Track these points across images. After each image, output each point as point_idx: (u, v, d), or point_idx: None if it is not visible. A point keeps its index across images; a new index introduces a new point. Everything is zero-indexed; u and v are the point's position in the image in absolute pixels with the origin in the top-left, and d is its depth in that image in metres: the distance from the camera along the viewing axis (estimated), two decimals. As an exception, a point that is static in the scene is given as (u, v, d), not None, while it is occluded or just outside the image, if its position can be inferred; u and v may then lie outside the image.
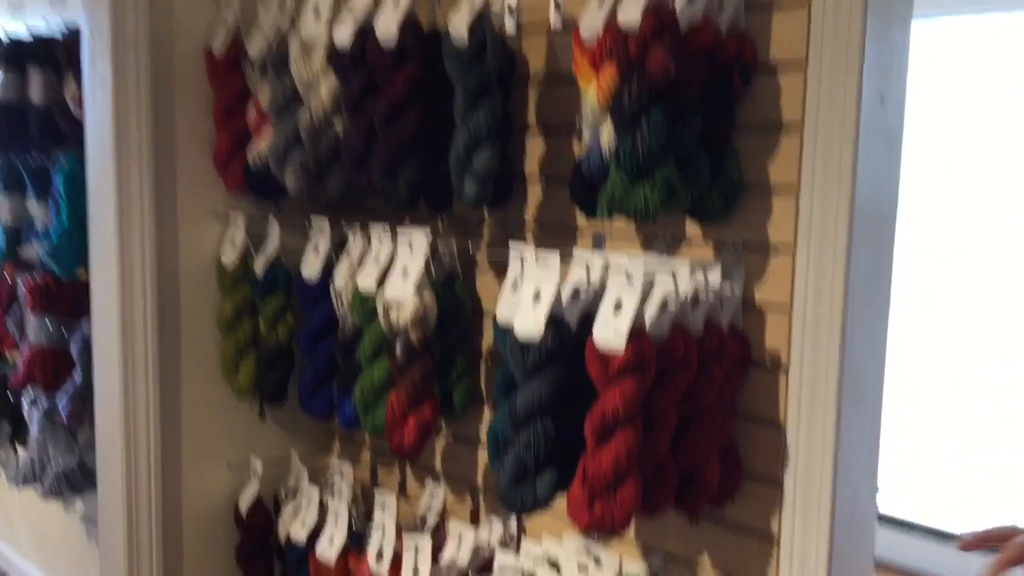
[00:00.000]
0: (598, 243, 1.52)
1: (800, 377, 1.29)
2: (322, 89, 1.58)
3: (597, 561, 1.53)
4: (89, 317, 2.33)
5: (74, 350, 2.23)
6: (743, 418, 1.35)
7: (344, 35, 1.52)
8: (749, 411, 1.35)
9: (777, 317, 1.32)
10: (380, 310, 1.54)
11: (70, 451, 2.42)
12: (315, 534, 1.78)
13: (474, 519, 1.76)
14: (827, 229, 1.25)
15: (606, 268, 1.30)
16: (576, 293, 1.31)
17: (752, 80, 1.30)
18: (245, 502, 1.92)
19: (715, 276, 1.30)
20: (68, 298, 2.24)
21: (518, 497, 1.29)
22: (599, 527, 1.17)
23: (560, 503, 1.31)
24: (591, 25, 1.28)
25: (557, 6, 1.51)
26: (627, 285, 1.20)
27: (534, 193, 1.60)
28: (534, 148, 1.59)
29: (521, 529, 1.67)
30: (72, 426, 2.28)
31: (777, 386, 1.32)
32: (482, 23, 1.43)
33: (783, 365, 1.32)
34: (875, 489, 1.41)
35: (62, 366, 2.25)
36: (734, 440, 1.35)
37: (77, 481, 2.48)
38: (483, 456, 1.74)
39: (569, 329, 1.28)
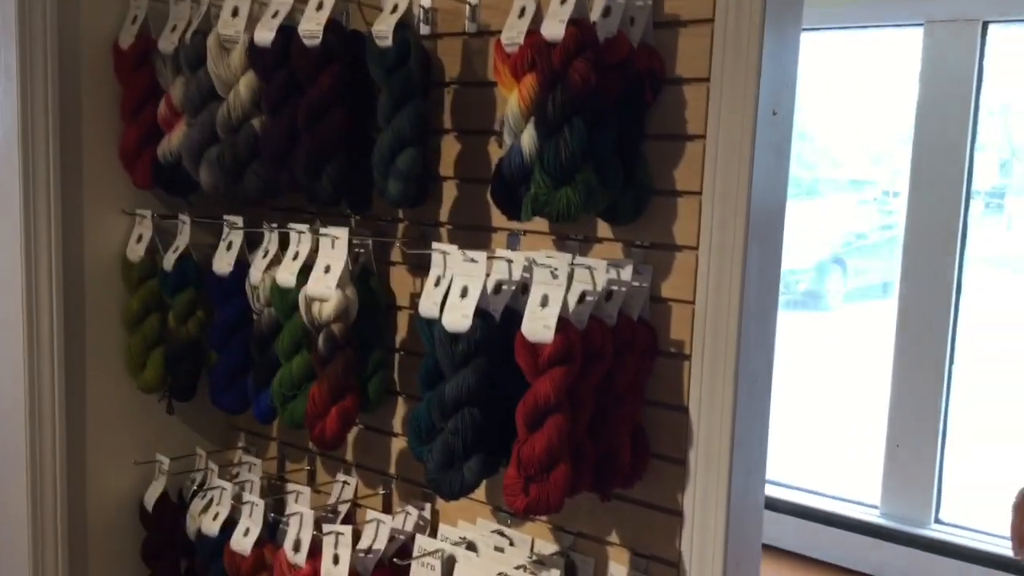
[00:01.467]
0: (513, 243, 1.60)
1: (702, 364, 1.41)
2: (241, 86, 1.60)
3: (511, 543, 1.62)
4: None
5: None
6: (651, 403, 1.46)
7: (266, 34, 1.54)
8: (656, 397, 1.46)
9: (681, 310, 1.44)
10: (302, 304, 1.57)
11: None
12: (227, 527, 1.79)
13: (387, 508, 1.82)
14: (726, 230, 1.38)
15: (527, 265, 1.39)
16: (499, 287, 1.40)
17: (661, 92, 1.41)
18: (151, 499, 1.91)
19: (627, 272, 1.41)
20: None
21: (447, 482, 1.36)
22: (535, 509, 1.26)
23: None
24: (512, 35, 1.36)
25: (472, 12, 1.59)
26: (552, 280, 1.29)
27: (449, 194, 1.67)
28: (449, 150, 1.66)
29: (435, 514, 1.74)
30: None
31: (681, 373, 1.44)
32: (405, 27, 1.49)
33: (686, 354, 1.44)
34: (764, 470, 1.55)
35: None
36: (643, 424, 1.46)
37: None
38: (396, 446, 1.80)
39: (494, 321, 1.37)
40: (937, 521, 3.78)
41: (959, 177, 3.67)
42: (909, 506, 3.80)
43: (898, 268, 3.85)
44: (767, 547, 3.93)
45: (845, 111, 5.76)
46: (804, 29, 1.51)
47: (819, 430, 5.71)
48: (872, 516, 3.87)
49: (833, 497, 4.06)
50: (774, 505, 3.96)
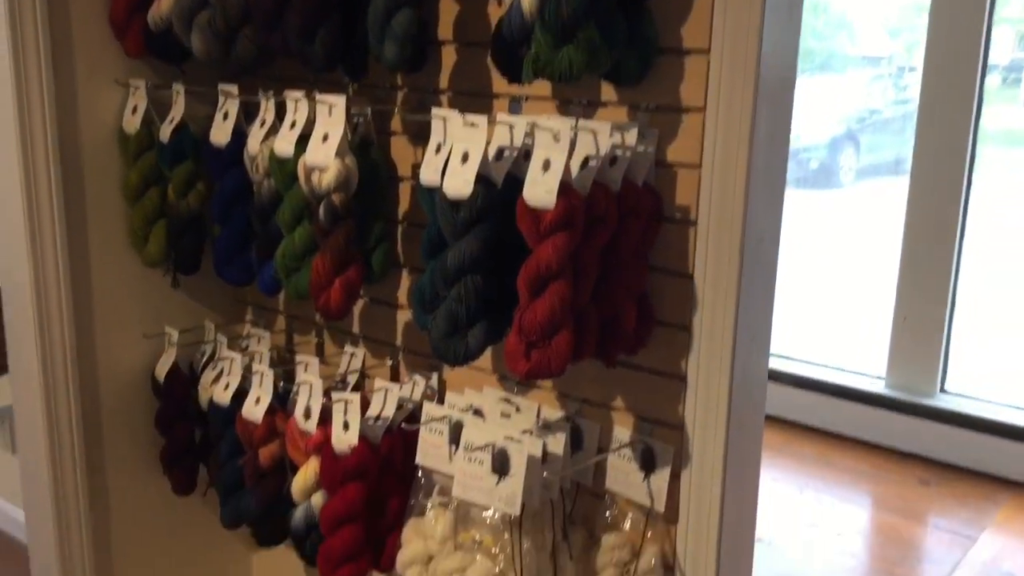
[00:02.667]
0: (514, 108, 1.56)
1: (707, 229, 1.39)
2: (230, -54, 1.53)
3: (518, 409, 1.64)
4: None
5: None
6: (655, 269, 1.45)
7: None
8: (661, 263, 1.45)
9: (687, 174, 1.41)
10: (301, 174, 1.55)
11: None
12: (238, 397, 1.82)
13: (394, 378, 1.84)
14: (735, 90, 1.33)
15: (528, 130, 1.35)
16: (501, 153, 1.37)
17: (667, -57, 1.35)
18: (162, 370, 1.94)
19: (631, 136, 1.37)
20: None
21: (451, 349, 1.37)
22: (537, 374, 1.26)
23: (480, 358, 1.40)
24: None
25: None
26: (554, 144, 1.26)
27: (448, 58, 1.62)
28: (447, 11, 1.60)
29: (442, 384, 1.76)
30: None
31: (686, 239, 1.42)
32: None
33: (692, 219, 1.41)
34: (768, 337, 1.55)
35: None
36: (647, 291, 1.45)
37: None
38: (402, 317, 1.81)
39: (495, 188, 1.34)
40: (943, 391, 3.83)
41: (975, 51, 3.56)
42: (915, 377, 3.84)
43: (911, 144, 3.78)
44: (773, 418, 4.00)
45: (862, -21, 5.56)
46: None
47: (828, 306, 5.73)
48: (878, 387, 3.92)
49: (839, 369, 4.11)
50: (780, 377, 4.01)
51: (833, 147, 7.22)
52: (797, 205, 6.49)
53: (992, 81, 3.82)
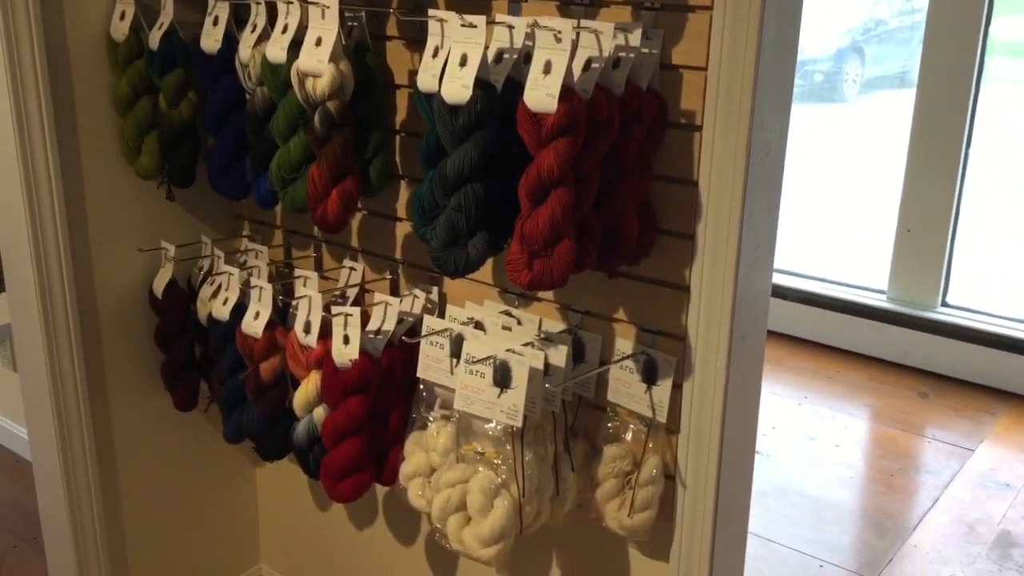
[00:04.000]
0: (514, 9, 1.50)
1: (713, 135, 1.35)
2: None
3: (519, 322, 1.62)
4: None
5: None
6: (659, 177, 1.42)
7: None
8: (664, 171, 1.41)
9: (693, 77, 1.36)
10: (295, 81, 1.50)
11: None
12: (237, 312, 1.80)
13: (394, 292, 1.82)
14: (743, -11, 1.28)
15: (529, 31, 1.30)
16: (500, 56, 1.32)
17: None
18: (160, 286, 1.92)
19: (635, 37, 1.32)
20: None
21: (451, 259, 1.34)
22: (539, 284, 1.24)
23: (481, 271, 1.38)
24: None
25: None
26: (555, 45, 1.22)
27: (446, -42, 1.56)
28: (444, -92, 1.53)
29: (443, 297, 1.74)
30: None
31: (691, 145, 1.38)
32: None
33: (697, 124, 1.37)
34: (773, 245, 1.52)
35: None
36: (650, 199, 1.42)
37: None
38: (401, 230, 1.78)
39: (495, 92, 1.30)
40: (944, 304, 3.82)
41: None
42: (916, 290, 3.83)
43: (918, 56, 3.70)
44: (776, 334, 4.01)
45: None
46: None
47: (832, 221, 5.70)
48: (879, 301, 3.92)
49: (841, 284, 4.10)
50: (783, 294, 4.00)
51: (838, 59, 7.08)
52: (800, 119, 6.40)
53: (1003, -11, 3.72)
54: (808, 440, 3.33)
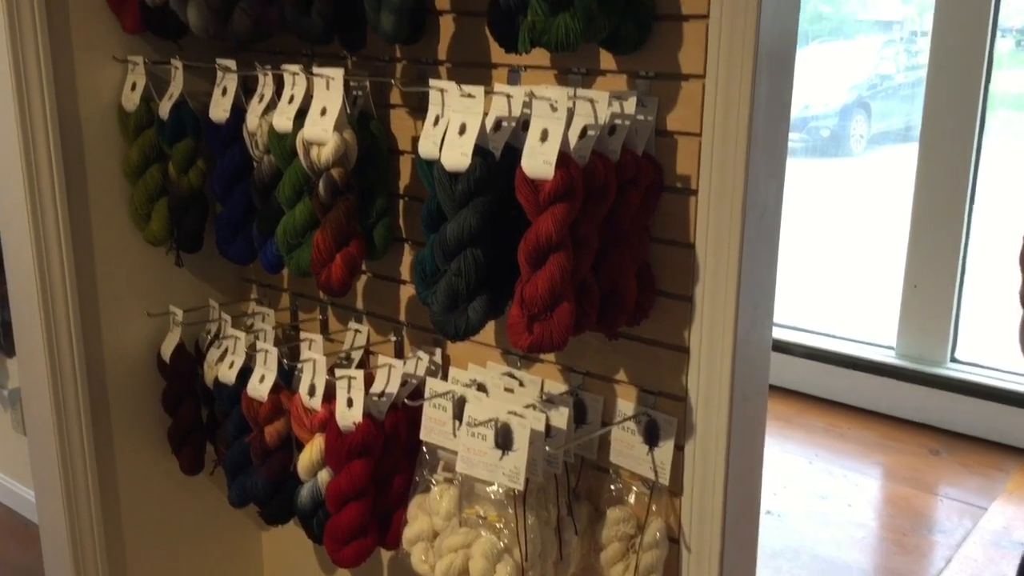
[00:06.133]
0: (513, 78, 1.54)
1: (708, 198, 1.38)
2: (223, -80, 1.52)
3: (521, 384, 1.63)
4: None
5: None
6: (656, 240, 1.44)
7: None
8: (662, 233, 1.43)
9: (688, 143, 1.39)
10: (300, 149, 1.54)
11: (-32, 313, 2.36)
12: (243, 375, 1.82)
13: (398, 354, 1.83)
14: (734, 57, 1.31)
15: (526, 100, 1.34)
16: (499, 124, 1.35)
17: (665, -92, 1.32)
18: (167, 350, 1.94)
19: (630, 105, 1.36)
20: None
21: (452, 323, 1.36)
22: (539, 347, 1.26)
23: (483, 332, 1.39)
24: None
25: None
26: (552, 114, 1.25)
27: (447, 29, 1.60)
28: (445, -18, 1.58)
29: (446, 359, 1.75)
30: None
31: (688, 208, 1.41)
32: None
33: (693, 188, 1.40)
34: (772, 305, 1.53)
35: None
36: (648, 261, 1.44)
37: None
38: (405, 292, 1.80)
39: (494, 159, 1.33)
40: (953, 360, 3.80)
41: (984, 14, 3.50)
42: (925, 346, 3.82)
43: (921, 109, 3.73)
44: (782, 389, 3.99)
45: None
46: None
47: (839, 275, 5.70)
48: (888, 357, 3.90)
49: (849, 339, 4.08)
50: (789, 349, 3.99)
51: (844, 115, 7.14)
52: (808, 174, 6.44)
53: (1005, 45, 3.77)
54: (820, 499, 3.29)
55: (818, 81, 6.11)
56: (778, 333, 3.58)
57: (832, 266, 5.81)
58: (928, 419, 3.75)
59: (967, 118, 3.59)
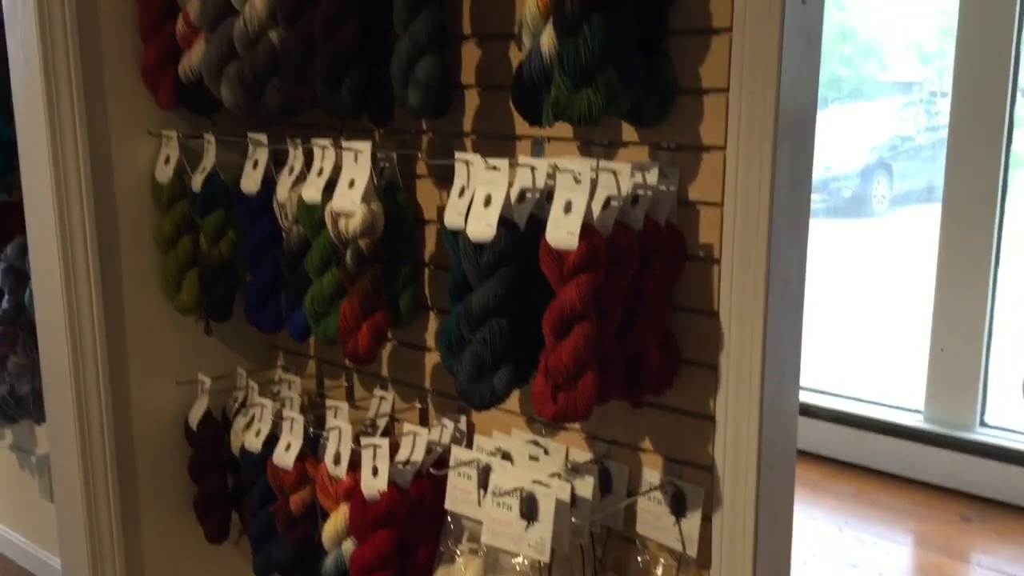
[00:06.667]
0: (537, 150, 1.57)
1: (731, 267, 1.39)
2: None
3: (546, 452, 1.63)
4: (11, 242, 2.29)
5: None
6: (680, 308, 1.45)
7: (278, -55, 1.51)
8: (686, 302, 1.44)
9: (710, 212, 1.41)
10: (328, 220, 1.57)
11: (-1, 380, 2.40)
12: (269, 443, 1.83)
13: (423, 421, 1.84)
14: (755, 128, 1.33)
15: (550, 172, 1.36)
16: (523, 195, 1.38)
17: (684, -15, 1.36)
18: (195, 417, 1.95)
19: (652, 176, 1.38)
20: (-11, 224, 2.20)
21: (477, 393, 1.37)
22: (564, 417, 1.26)
23: (508, 399, 1.40)
24: (528, -68, 1.31)
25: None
26: (575, 185, 1.27)
27: (472, 102, 1.64)
28: (470, 56, 1.62)
29: (471, 426, 1.75)
30: (3, 350, 2.26)
31: (711, 277, 1.42)
32: (418, -70, 1.44)
33: (715, 257, 1.41)
34: (798, 373, 1.53)
35: (-14, 293, 2.22)
36: (672, 329, 1.44)
37: (9, 409, 2.47)
38: (430, 360, 1.81)
39: (518, 230, 1.35)
40: (983, 424, 3.75)
41: (1004, 74, 3.52)
42: (954, 410, 3.76)
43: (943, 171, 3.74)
44: (809, 454, 3.93)
45: (891, 6, 5.53)
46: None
47: (865, 337, 5.65)
48: (916, 421, 3.85)
49: (876, 403, 4.04)
50: (816, 412, 3.95)
51: (865, 176, 7.15)
52: (831, 235, 6.43)
53: (1024, 103, 3.78)
54: (851, 568, 3.23)
55: (839, 142, 6.14)
56: (804, 396, 3.54)
57: (858, 327, 5.77)
58: (958, 484, 3.69)
59: (989, 178, 3.59)
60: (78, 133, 1.75)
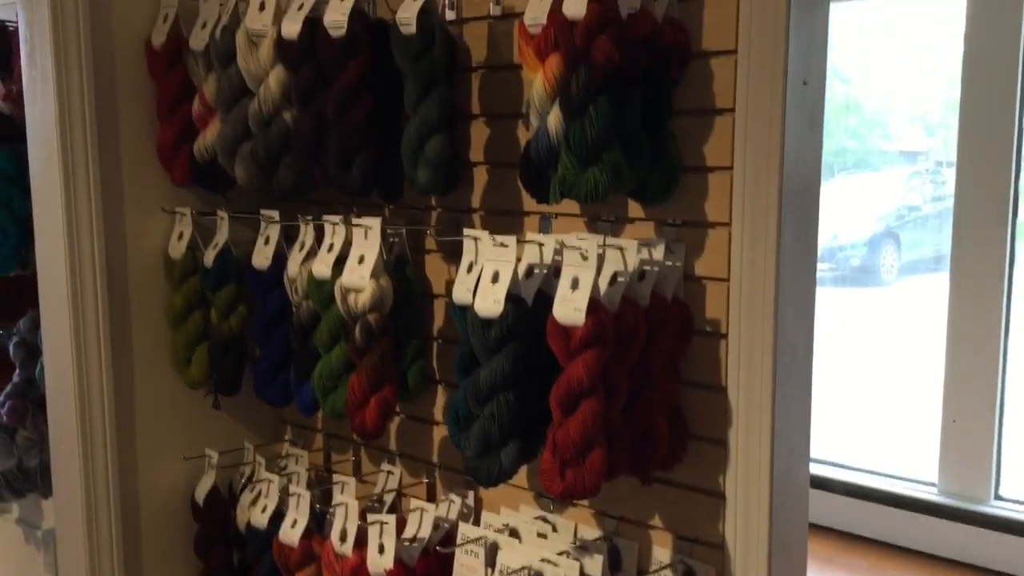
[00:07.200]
0: (544, 227, 1.59)
1: (739, 342, 1.39)
2: (271, 80, 1.61)
3: (554, 528, 1.61)
4: (24, 316, 2.31)
5: (11, 349, 2.21)
6: (688, 383, 1.45)
7: (292, 26, 1.55)
8: (693, 377, 1.44)
9: (716, 287, 1.42)
10: (338, 295, 1.58)
11: (7, 453, 2.39)
12: (275, 519, 1.82)
13: (431, 496, 1.83)
14: (759, 205, 1.35)
15: (557, 248, 1.38)
16: (531, 271, 1.39)
17: (687, 67, 1.39)
18: (202, 493, 1.94)
19: (658, 252, 1.39)
20: (4, 298, 2.22)
21: (485, 469, 1.36)
22: (572, 493, 1.25)
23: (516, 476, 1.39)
24: (535, 15, 1.35)
25: (496, -3, 1.58)
26: (582, 262, 1.28)
27: (480, 179, 1.67)
28: (478, 135, 1.65)
29: (479, 502, 1.74)
30: (12, 423, 2.26)
31: (718, 352, 1.42)
32: (429, 13, 1.49)
33: (723, 332, 1.41)
34: (807, 448, 1.52)
35: (-1, 367, 2.24)
36: (680, 404, 1.44)
37: (16, 483, 2.46)
38: (438, 434, 1.81)
39: (526, 306, 1.36)
40: (997, 497, 3.69)
41: (1008, 142, 3.56)
42: (968, 483, 3.71)
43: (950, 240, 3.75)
44: (822, 528, 3.88)
45: (895, 78, 5.61)
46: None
47: (875, 408, 5.60)
48: (930, 494, 3.80)
49: (889, 476, 3.99)
50: (828, 485, 3.90)
51: (873, 245, 7.17)
52: (840, 303, 6.43)
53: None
54: (867, 645, 3.15)
55: (846, 212, 6.18)
56: (815, 469, 3.51)
57: (869, 398, 5.72)
58: (974, 559, 3.62)
59: (996, 248, 3.60)
60: (93, 209, 1.79)
